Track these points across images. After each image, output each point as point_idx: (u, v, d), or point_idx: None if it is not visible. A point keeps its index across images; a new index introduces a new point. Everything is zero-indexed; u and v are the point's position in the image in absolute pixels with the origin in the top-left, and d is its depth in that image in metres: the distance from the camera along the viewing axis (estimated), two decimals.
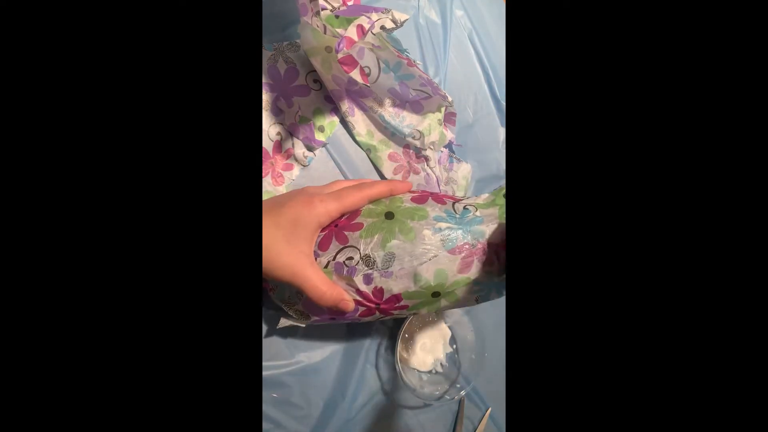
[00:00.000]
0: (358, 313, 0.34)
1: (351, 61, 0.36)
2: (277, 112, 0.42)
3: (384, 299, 0.33)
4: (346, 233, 0.33)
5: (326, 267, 0.33)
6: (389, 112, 0.44)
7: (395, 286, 0.32)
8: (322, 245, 0.33)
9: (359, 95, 0.43)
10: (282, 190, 0.42)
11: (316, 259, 0.33)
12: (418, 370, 0.44)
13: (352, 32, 0.35)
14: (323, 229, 0.34)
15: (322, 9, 0.38)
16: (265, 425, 0.39)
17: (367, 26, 0.35)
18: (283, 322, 0.36)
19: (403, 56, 0.39)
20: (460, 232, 0.32)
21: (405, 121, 0.44)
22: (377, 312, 0.34)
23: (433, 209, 0.34)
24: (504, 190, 0.35)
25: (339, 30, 0.35)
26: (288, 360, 0.41)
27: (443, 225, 0.33)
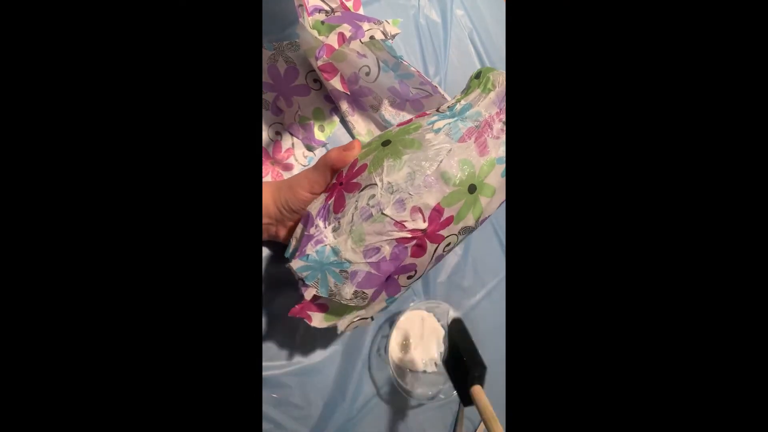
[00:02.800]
0: (409, 252, 0.31)
1: (331, 69, 0.37)
2: (277, 112, 0.42)
3: (426, 219, 0.30)
4: (354, 181, 0.31)
5: (352, 224, 0.30)
6: (389, 112, 0.44)
7: (430, 197, 0.30)
8: (337, 207, 0.31)
9: (359, 95, 0.43)
10: None
11: (338, 224, 0.31)
12: (410, 370, 0.44)
13: (332, 40, 0.35)
14: (328, 197, 0.32)
15: (318, 11, 0.38)
16: (265, 425, 0.39)
17: (348, 34, 0.35)
18: (343, 324, 0.34)
19: (400, 61, 0.39)
20: (458, 121, 0.32)
21: (405, 120, 0.44)
22: (427, 241, 0.31)
23: (422, 119, 0.33)
24: (474, 75, 0.35)
25: (321, 37, 0.36)
26: (288, 360, 0.41)
27: (440, 123, 0.32)
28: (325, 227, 0.31)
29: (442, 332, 0.45)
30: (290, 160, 0.42)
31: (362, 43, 0.35)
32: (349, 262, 0.31)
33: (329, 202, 0.32)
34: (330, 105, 0.43)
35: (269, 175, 0.41)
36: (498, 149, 0.32)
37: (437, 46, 0.48)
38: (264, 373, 0.39)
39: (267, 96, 0.41)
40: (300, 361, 0.41)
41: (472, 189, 0.31)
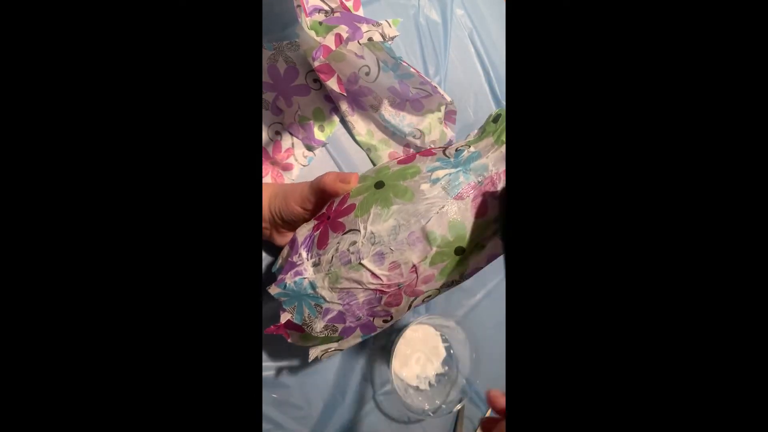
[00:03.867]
0: (383, 302, 0.29)
1: (327, 70, 0.37)
2: (277, 112, 0.42)
3: (404, 275, 0.28)
4: (340, 220, 0.30)
5: (331, 264, 0.29)
6: (389, 112, 0.44)
7: (412, 255, 0.28)
8: (321, 243, 0.30)
9: (359, 94, 0.43)
10: None
11: (318, 260, 0.30)
12: (409, 385, 0.43)
13: (330, 41, 0.35)
14: (316, 227, 0.31)
15: (318, 11, 0.39)
16: (264, 425, 0.39)
17: (345, 35, 0.35)
18: (314, 353, 0.33)
19: (399, 62, 0.39)
20: (460, 173, 0.29)
21: (405, 120, 0.44)
22: (404, 294, 0.29)
23: (423, 163, 0.30)
24: (491, 117, 0.31)
25: (318, 38, 0.36)
26: (288, 360, 0.41)
27: (440, 173, 0.29)
28: (307, 259, 0.30)
29: (443, 354, 0.45)
30: (290, 159, 0.42)
31: (360, 44, 0.35)
32: (323, 299, 0.30)
33: (315, 234, 0.31)
34: (330, 105, 0.43)
35: (269, 175, 0.41)
36: (496, 209, 0.29)
37: (437, 46, 0.48)
38: (264, 373, 0.39)
39: (267, 96, 0.41)
40: (300, 361, 0.41)
41: (459, 251, 0.29)
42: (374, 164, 0.45)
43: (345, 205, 0.30)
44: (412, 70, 0.40)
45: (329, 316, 0.30)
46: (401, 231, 0.28)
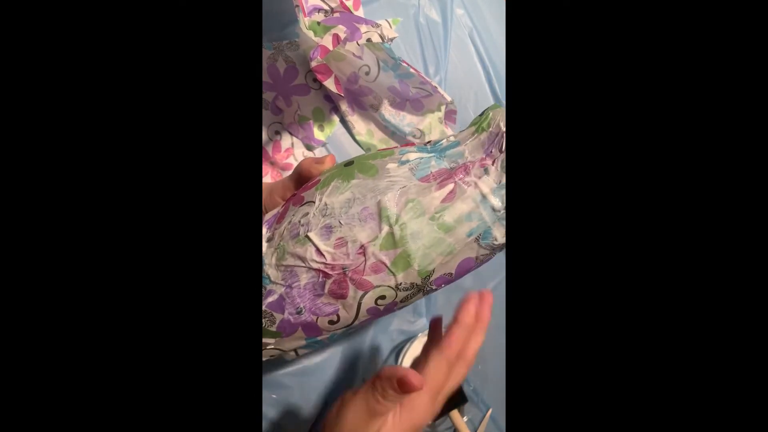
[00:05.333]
0: (326, 289, 0.26)
1: (325, 70, 0.37)
2: (277, 112, 0.42)
3: (350, 256, 0.25)
4: (302, 194, 0.28)
5: (282, 238, 0.26)
6: (389, 111, 0.44)
7: (361, 233, 0.25)
8: (280, 217, 0.28)
9: (359, 94, 0.43)
10: None
11: (272, 234, 0.27)
12: None
13: (327, 41, 0.35)
14: (284, 204, 0.29)
15: (318, 11, 0.39)
16: (264, 426, 0.39)
17: (343, 36, 0.35)
18: (265, 354, 0.30)
19: (399, 62, 0.39)
20: (433, 158, 0.26)
21: (405, 119, 0.44)
22: (350, 284, 0.26)
23: (402, 148, 0.28)
24: (480, 114, 0.29)
25: (316, 38, 0.36)
26: (288, 361, 0.40)
27: (412, 155, 0.27)
28: (264, 234, 0.28)
29: None
30: (289, 159, 0.42)
31: (359, 45, 0.35)
32: (268, 278, 0.27)
33: (279, 211, 0.29)
34: (330, 105, 0.43)
35: (269, 175, 0.41)
36: (467, 201, 0.25)
37: (437, 45, 0.48)
38: (264, 374, 0.39)
39: (266, 95, 0.41)
40: (299, 361, 0.41)
41: (416, 238, 0.25)
42: None
43: (312, 182, 0.29)
44: (411, 70, 0.40)
45: (269, 300, 0.27)
46: (355, 204, 0.25)
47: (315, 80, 0.42)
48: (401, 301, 0.28)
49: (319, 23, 0.36)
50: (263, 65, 0.40)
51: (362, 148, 0.45)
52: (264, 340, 0.29)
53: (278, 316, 0.27)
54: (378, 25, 0.37)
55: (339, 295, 0.26)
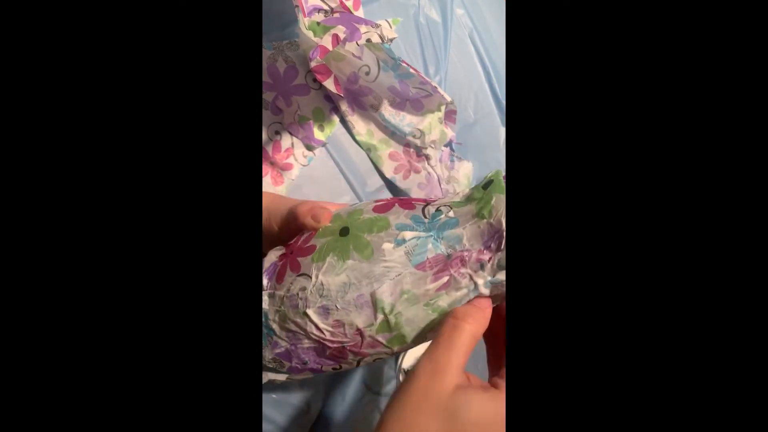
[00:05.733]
0: (327, 353, 0.28)
1: (324, 70, 0.37)
2: (277, 112, 0.42)
3: (348, 336, 0.27)
4: (299, 259, 0.28)
5: (282, 303, 0.28)
6: (389, 111, 0.44)
7: (357, 318, 0.26)
8: (279, 277, 0.29)
9: (359, 94, 0.43)
10: (281, 190, 0.42)
11: (273, 293, 0.28)
12: None
13: (327, 41, 0.35)
14: (281, 257, 0.30)
15: (318, 11, 0.39)
16: (264, 426, 0.39)
17: (342, 36, 0.35)
18: (266, 376, 0.31)
19: (399, 62, 0.39)
20: (429, 240, 0.26)
21: (405, 119, 0.44)
22: (349, 353, 0.28)
23: (396, 217, 0.28)
24: (484, 182, 0.28)
25: (316, 39, 0.36)
26: None
27: (408, 234, 0.27)
28: (266, 288, 0.29)
29: None
30: (289, 159, 0.42)
31: (359, 45, 0.35)
32: (274, 332, 0.28)
33: (279, 264, 0.29)
34: (330, 105, 0.43)
35: (268, 175, 0.41)
36: (461, 290, 0.26)
37: (437, 45, 0.48)
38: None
39: (266, 95, 0.41)
40: None
41: (410, 323, 0.27)
42: (374, 164, 0.45)
43: (308, 244, 0.29)
44: (411, 70, 0.40)
45: (277, 351, 0.29)
46: (350, 290, 0.26)
47: (315, 80, 0.42)
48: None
49: (318, 23, 0.36)
50: (263, 65, 0.40)
51: (362, 147, 0.45)
52: (277, 375, 0.31)
53: (286, 364, 0.29)
54: (378, 26, 0.37)
55: (339, 358, 0.28)
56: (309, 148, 0.43)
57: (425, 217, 0.28)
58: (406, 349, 0.29)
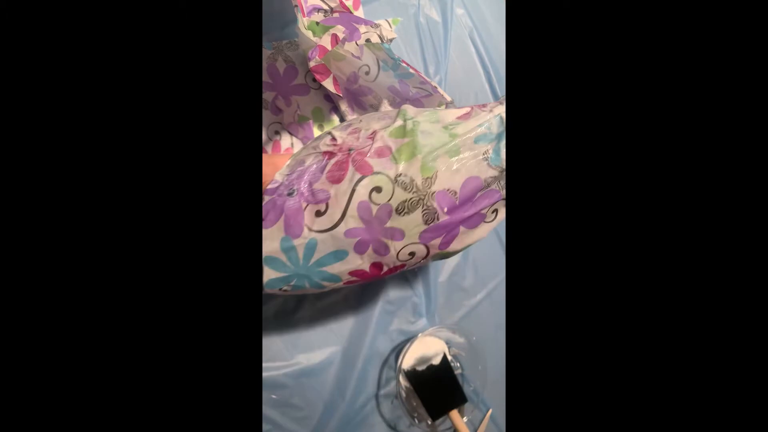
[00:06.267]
0: (326, 170, 0.26)
1: (323, 70, 0.37)
2: (276, 111, 0.42)
3: (360, 140, 0.27)
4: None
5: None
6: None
7: (375, 124, 0.28)
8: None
9: (359, 94, 0.43)
10: None
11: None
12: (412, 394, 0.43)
13: (326, 41, 0.35)
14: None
15: (317, 11, 0.39)
16: (264, 426, 0.39)
17: (341, 36, 0.35)
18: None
19: (398, 62, 0.39)
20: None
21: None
22: (350, 164, 0.26)
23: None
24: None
25: (315, 39, 0.36)
26: (287, 361, 0.40)
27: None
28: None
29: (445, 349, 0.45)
30: None
31: (358, 45, 0.35)
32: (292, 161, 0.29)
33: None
34: (329, 104, 0.43)
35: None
36: (479, 119, 0.27)
37: (437, 45, 0.48)
38: (264, 374, 0.39)
39: (266, 95, 0.41)
40: (299, 362, 0.41)
41: (425, 135, 0.26)
42: None
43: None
44: (411, 70, 0.40)
45: (268, 186, 0.28)
46: (381, 109, 0.29)
47: (315, 80, 0.42)
48: (397, 210, 0.26)
49: (318, 23, 0.36)
50: (263, 65, 0.40)
51: None
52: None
53: (266, 197, 0.27)
54: (377, 26, 0.37)
55: (336, 179, 0.26)
56: None
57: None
58: (412, 176, 0.26)
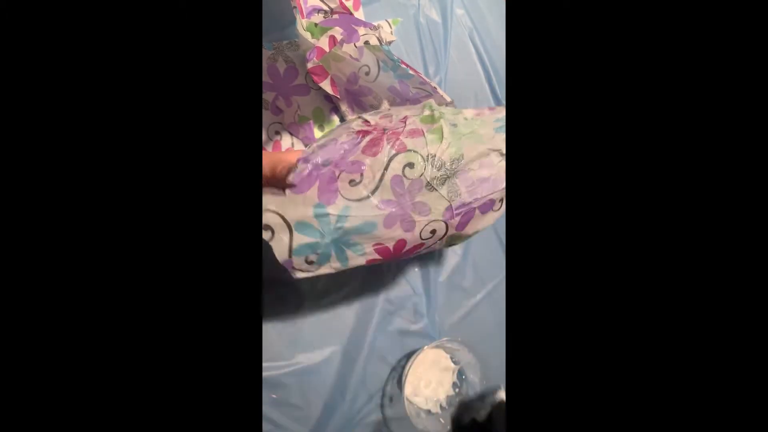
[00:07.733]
0: (360, 146, 0.27)
1: (321, 72, 0.37)
2: (277, 112, 0.42)
3: (392, 122, 0.29)
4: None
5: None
6: None
7: (406, 111, 0.30)
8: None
9: (359, 94, 0.43)
10: None
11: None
12: (421, 409, 0.43)
13: (324, 42, 0.35)
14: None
15: (317, 11, 0.39)
16: (264, 426, 0.39)
17: (339, 37, 0.35)
18: (265, 222, 0.28)
19: (398, 63, 0.40)
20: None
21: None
22: (384, 140, 0.27)
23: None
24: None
25: (313, 40, 0.36)
26: (287, 361, 0.40)
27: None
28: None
29: (454, 377, 0.45)
30: None
31: (356, 47, 0.35)
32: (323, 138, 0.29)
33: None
34: (330, 105, 0.43)
35: None
36: (497, 113, 0.31)
37: (437, 45, 0.48)
38: (264, 374, 0.39)
39: (266, 95, 0.41)
40: (299, 361, 0.41)
41: (451, 123, 0.29)
42: None
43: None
44: (411, 71, 0.40)
45: (302, 156, 0.28)
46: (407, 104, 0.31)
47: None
48: (427, 186, 0.27)
49: (316, 24, 0.37)
50: (263, 65, 0.40)
51: None
52: (264, 199, 0.27)
53: (301, 167, 0.27)
54: (377, 27, 0.37)
55: (372, 153, 0.27)
56: None
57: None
58: (441, 158, 0.28)
